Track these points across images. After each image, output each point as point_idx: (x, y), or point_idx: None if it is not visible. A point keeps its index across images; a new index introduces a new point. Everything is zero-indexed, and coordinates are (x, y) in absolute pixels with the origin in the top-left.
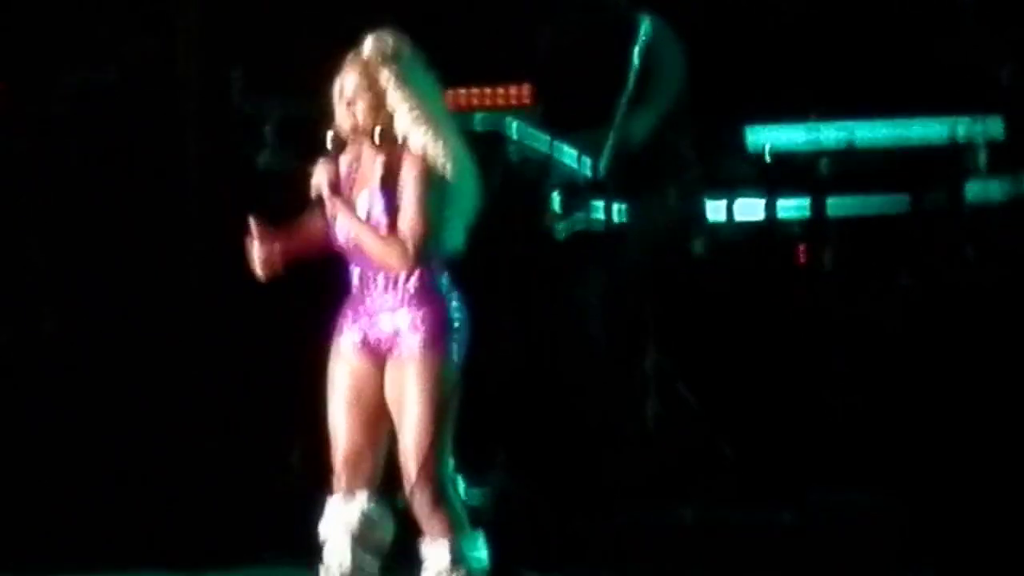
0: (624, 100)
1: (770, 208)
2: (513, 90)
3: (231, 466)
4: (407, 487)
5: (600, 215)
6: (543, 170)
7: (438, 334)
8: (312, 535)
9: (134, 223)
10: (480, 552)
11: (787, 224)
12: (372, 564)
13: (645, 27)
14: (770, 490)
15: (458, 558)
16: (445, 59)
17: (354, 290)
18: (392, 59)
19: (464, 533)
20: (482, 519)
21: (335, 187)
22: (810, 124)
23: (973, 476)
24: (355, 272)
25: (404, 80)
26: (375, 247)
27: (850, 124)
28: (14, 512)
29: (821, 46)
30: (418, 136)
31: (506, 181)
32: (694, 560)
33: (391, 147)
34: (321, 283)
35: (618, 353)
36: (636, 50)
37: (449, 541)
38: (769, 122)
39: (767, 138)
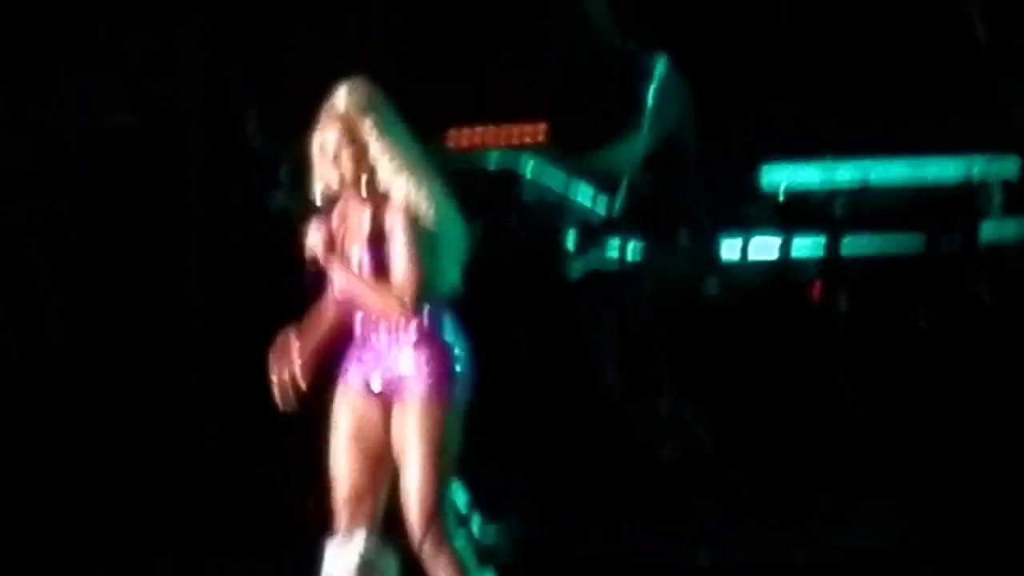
0: (639, 141)
1: (785, 247)
2: (528, 128)
3: (236, 507)
4: (410, 531)
5: (614, 254)
6: (558, 209)
7: (441, 379)
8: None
9: (148, 261)
10: None
11: (802, 263)
12: None
13: (660, 68)
14: (785, 531)
15: None
16: (460, 97)
17: (358, 335)
18: (369, 108)
19: (471, 574)
20: (497, 558)
21: (330, 245)
22: (825, 163)
23: (991, 520)
24: (358, 317)
25: (383, 129)
26: (373, 301)
27: (865, 163)
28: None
29: (836, 85)
30: (400, 185)
31: (520, 220)
32: None
33: (376, 197)
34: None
35: (632, 393)
36: (651, 91)
37: None
38: (784, 161)
39: (782, 177)
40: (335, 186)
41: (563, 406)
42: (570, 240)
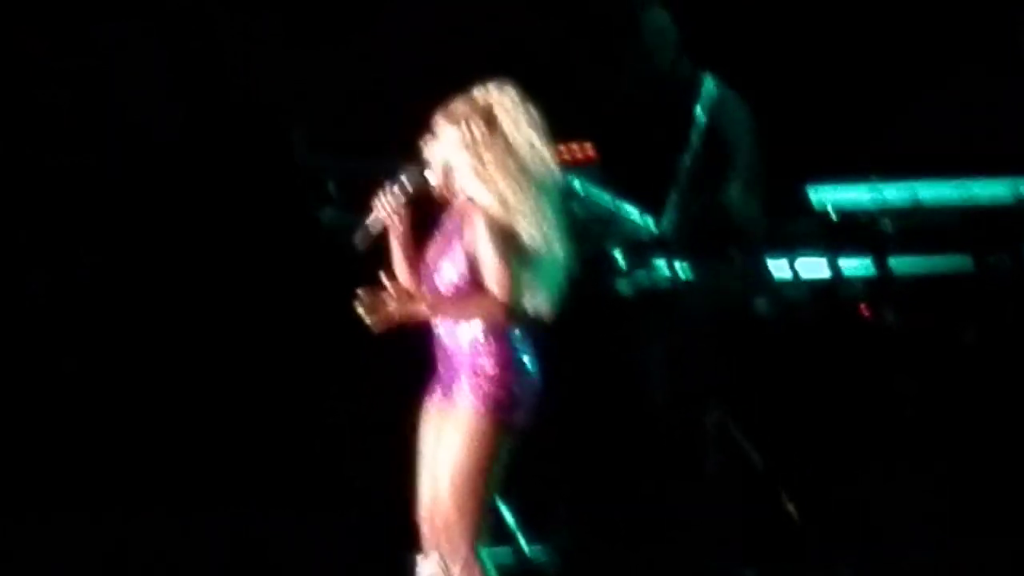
0: (688, 158)
1: (834, 266)
2: (576, 147)
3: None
4: (436, 539)
5: (664, 272)
6: (607, 227)
7: (496, 393)
8: None
9: (195, 275)
10: None
11: (851, 283)
12: None
13: (708, 86)
14: (833, 547)
15: None
16: None
17: (438, 349)
18: (482, 113)
19: None
20: (541, 573)
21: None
22: (873, 183)
23: None
24: (437, 328)
25: (479, 134)
26: (474, 313)
27: (914, 183)
28: None
29: (885, 105)
30: (477, 185)
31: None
32: None
33: (468, 205)
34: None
35: (682, 411)
36: (699, 108)
37: None
38: (833, 181)
39: (831, 197)
40: (432, 182)
41: (612, 424)
42: (619, 258)
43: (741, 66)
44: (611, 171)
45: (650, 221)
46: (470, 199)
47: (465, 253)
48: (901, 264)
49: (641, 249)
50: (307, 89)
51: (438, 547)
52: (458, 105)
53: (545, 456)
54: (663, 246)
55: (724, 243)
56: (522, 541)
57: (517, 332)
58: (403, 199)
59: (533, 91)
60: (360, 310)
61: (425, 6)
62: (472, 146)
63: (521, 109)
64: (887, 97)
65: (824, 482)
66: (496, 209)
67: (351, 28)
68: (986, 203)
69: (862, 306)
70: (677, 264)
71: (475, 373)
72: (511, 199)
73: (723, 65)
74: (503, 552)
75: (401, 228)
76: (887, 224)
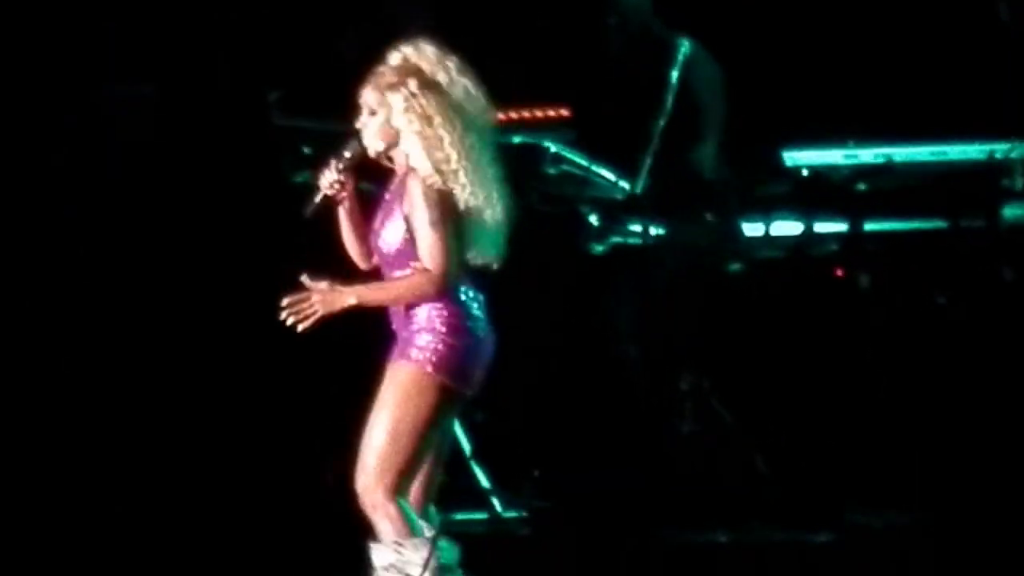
0: (661, 120)
1: (807, 226)
2: (551, 111)
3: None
4: (357, 486)
5: (637, 232)
6: (580, 187)
7: (443, 353)
8: None
9: (168, 239)
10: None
11: (824, 244)
12: None
13: (684, 49)
14: (807, 510)
15: (401, 564)
16: (487, 78)
17: (394, 313)
18: (413, 73)
19: (412, 541)
20: (516, 537)
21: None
22: (848, 145)
23: (1013, 497)
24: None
25: (421, 95)
26: (402, 294)
27: (888, 146)
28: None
29: (859, 68)
30: (418, 151)
31: (543, 197)
32: None
33: (408, 172)
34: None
35: (654, 371)
36: (674, 71)
37: (394, 546)
38: (807, 144)
39: (805, 159)
40: (372, 153)
41: (584, 382)
42: (592, 218)
43: (716, 29)
44: (585, 133)
45: (624, 182)
46: (411, 167)
47: (405, 219)
48: (875, 223)
49: (615, 209)
50: (281, 54)
51: (365, 506)
52: (386, 73)
53: (519, 419)
54: (637, 207)
55: (697, 204)
56: (497, 505)
57: (474, 299)
58: (345, 171)
59: (509, 54)
60: (285, 315)
61: None
62: (417, 107)
63: (446, 60)
64: (862, 60)
65: (798, 442)
66: (435, 177)
67: None
68: (960, 164)
69: (836, 265)
70: (651, 224)
71: (427, 331)
72: (453, 159)
73: (698, 28)
74: (478, 516)
75: (347, 199)
76: (861, 186)
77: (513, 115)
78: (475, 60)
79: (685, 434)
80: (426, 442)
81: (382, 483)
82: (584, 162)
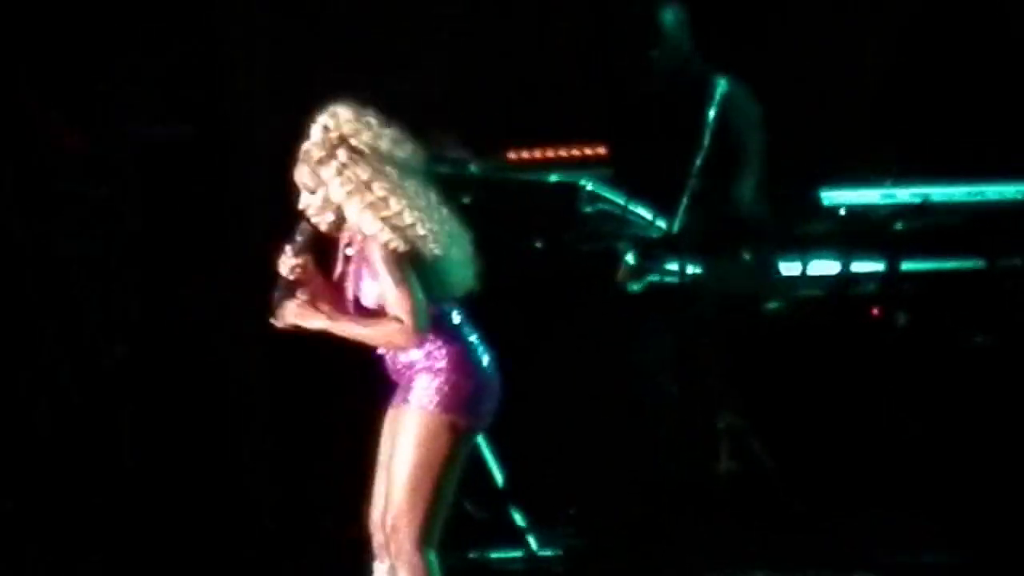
0: (698, 159)
1: (845, 265)
2: (588, 149)
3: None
4: (382, 541)
5: (674, 271)
6: (617, 225)
7: (448, 392)
8: None
9: (198, 272)
10: None
11: (861, 283)
12: None
13: (722, 87)
14: (843, 552)
15: None
16: (523, 117)
17: (388, 360)
18: (338, 143)
19: None
20: (552, 575)
21: (303, 279)
22: (886, 185)
23: None
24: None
25: (351, 164)
26: (374, 337)
27: (926, 186)
28: None
29: (897, 108)
30: (367, 218)
31: (579, 235)
32: None
33: (364, 239)
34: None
35: (691, 410)
36: (712, 109)
37: None
38: (845, 183)
39: (843, 198)
40: (321, 226)
41: (621, 420)
42: (630, 256)
43: (755, 68)
44: (622, 171)
45: (661, 221)
46: (367, 235)
47: (373, 280)
48: (912, 263)
49: (653, 247)
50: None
51: (389, 553)
52: (312, 150)
53: (555, 457)
54: (675, 245)
55: (735, 243)
56: (533, 544)
57: (470, 331)
58: (302, 253)
59: (546, 92)
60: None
61: (442, 4)
62: (352, 176)
63: (365, 117)
64: (901, 100)
65: (836, 483)
66: (393, 239)
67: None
68: (998, 205)
69: (873, 305)
70: (688, 263)
71: (428, 372)
72: (406, 215)
73: (737, 66)
74: (515, 555)
75: (311, 279)
76: (899, 225)
77: (550, 153)
78: (513, 100)
79: (722, 473)
80: (447, 483)
81: (409, 533)
82: (621, 200)
